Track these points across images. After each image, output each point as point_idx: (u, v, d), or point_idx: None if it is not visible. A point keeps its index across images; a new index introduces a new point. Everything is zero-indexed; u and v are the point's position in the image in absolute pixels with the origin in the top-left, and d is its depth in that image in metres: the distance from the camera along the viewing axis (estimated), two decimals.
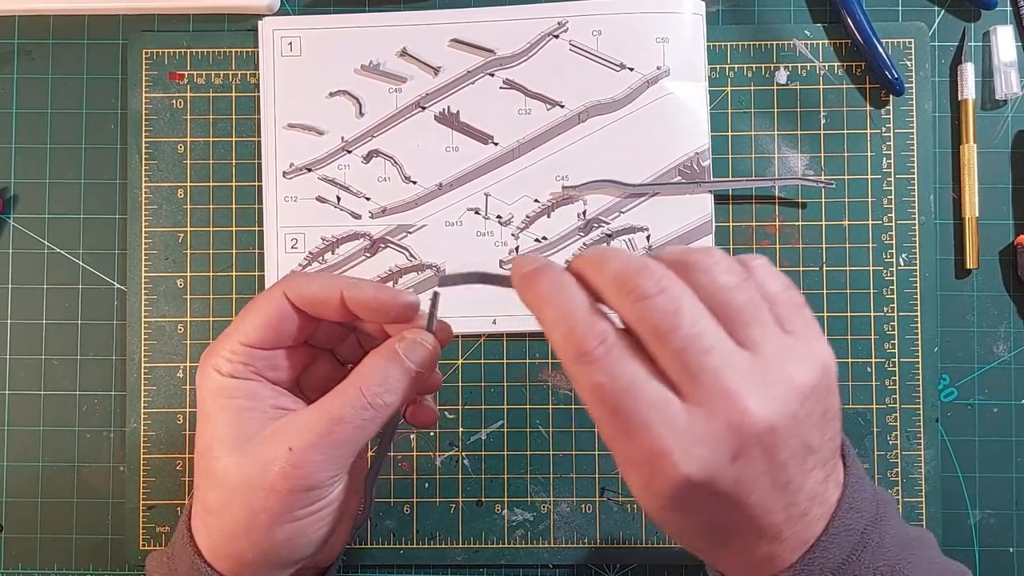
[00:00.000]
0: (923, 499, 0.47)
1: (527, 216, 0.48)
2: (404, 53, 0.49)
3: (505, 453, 0.48)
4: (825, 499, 0.30)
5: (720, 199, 0.49)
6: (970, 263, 0.48)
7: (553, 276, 0.31)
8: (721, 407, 0.26)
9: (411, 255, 0.49)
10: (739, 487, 0.27)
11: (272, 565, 0.35)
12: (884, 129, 0.49)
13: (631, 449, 0.27)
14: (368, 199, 0.49)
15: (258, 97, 0.49)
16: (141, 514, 0.48)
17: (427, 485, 0.48)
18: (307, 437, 0.32)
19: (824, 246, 0.48)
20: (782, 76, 0.49)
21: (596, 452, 0.48)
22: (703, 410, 0.26)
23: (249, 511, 0.33)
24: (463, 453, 0.48)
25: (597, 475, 0.48)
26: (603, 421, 0.27)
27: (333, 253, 0.49)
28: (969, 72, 0.48)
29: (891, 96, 0.48)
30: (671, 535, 0.33)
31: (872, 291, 0.48)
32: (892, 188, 0.48)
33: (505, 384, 0.48)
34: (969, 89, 0.48)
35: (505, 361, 0.49)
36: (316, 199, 0.49)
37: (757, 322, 0.28)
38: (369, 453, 0.37)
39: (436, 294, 0.35)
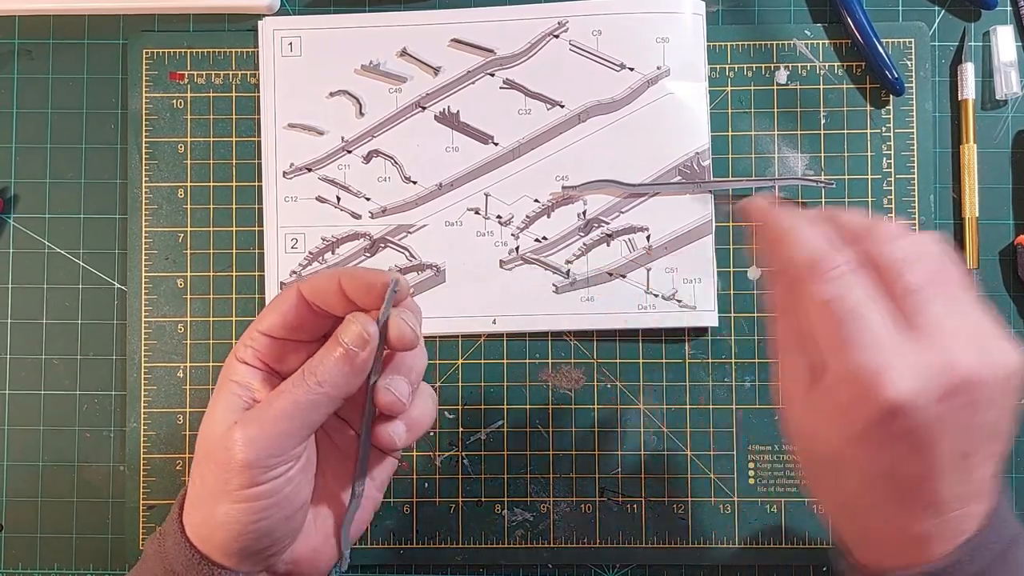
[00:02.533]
0: None
1: (527, 216, 0.49)
2: (404, 53, 0.49)
3: (505, 453, 0.48)
4: (984, 498, 0.31)
5: (720, 199, 0.49)
6: (970, 263, 0.48)
7: (805, 213, 0.34)
8: (938, 346, 0.29)
9: (411, 255, 0.49)
10: (935, 430, 0.29)
11: (230, 547, 0.34)
12: (884, 129, 0.49)
13: (849, 362, 0.29)
14: (368, 199, 0.49)
15: (258, 97, 0.49)
16: (141, 514, 0.48)
17: (427, 485, 0.48)
18: (252, 414, 0.34)
19: None
20: (782, 76, 0.49)
21: (596, 452, 0.48)
22: (922, 345, 0.29)
23: (219, 483, 0.33)
24: (463, 453, 0.48)
25: (597, 475, 0.48)
26: (828, 333, 0.30)
27: (333, 253, 0.49)
28: (969, 72, 0.48)
29: (891, 96, 0.48)
30: (835, 486, 0.33)
31: None
32: (892, 188, 0.48)
33: (505, 384, 0.49)
34: (969, 89, 0.48)
35: (505, 361, 0.49)
36: (316, 199, 0.49)
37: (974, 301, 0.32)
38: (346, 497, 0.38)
39: (392, 284, 0.34)
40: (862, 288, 0.30)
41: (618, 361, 0.48)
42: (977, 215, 0.48)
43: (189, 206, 0.49)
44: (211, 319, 0.49)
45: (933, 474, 0.30)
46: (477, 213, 0.49)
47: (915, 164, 0.48)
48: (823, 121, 0.49)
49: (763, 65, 0.49)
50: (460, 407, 0.48)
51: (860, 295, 0.30)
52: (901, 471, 0.30)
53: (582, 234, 0.48)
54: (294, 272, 0.49)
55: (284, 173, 0.49)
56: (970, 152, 0.48)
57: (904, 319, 0.30)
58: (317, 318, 0.36)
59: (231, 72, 0.50)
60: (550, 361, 0.48)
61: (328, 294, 0.35)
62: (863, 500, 0.32)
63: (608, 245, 0.48)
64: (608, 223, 0.48)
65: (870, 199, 0.48)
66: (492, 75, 0.49)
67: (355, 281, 0.35)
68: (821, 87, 0.49)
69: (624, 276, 0.48)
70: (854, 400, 0.29)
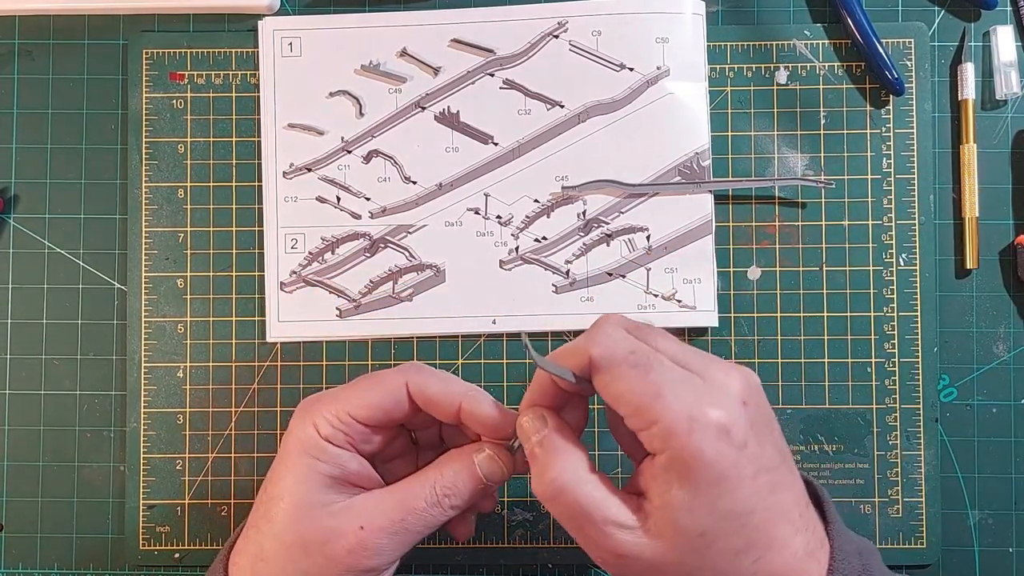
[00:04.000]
0: (923, 499, 0.47)
1: (527, 216, 0.49)
2: (404, 53, 0.49)
3: None
4: (815, 527, 0.34)
5: (720, 199, 0.49)
6: (970, 263, 0.48)
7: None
8: (720, 374, 0.33)
9: (411, 255, 0.49)
10: (752, 431, 0.32)
11: None
12: (884, 129, 0.49)
13: (663, 410, 0.31)
14: (368, 199, 0.49)
15: (258, 97, 0.49)
16: (141, 514, 0.48)
17: None
18: (380, 520, 0.35)
19: (824, 246, 0.48)
20: (782, 76, 0.49)
21: (596, 452, 0.48)
22: (703, 377, 0.33)
23: (299, 573, 0.35)
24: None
25: None
26: (635, 385, 0.32)
27: (333, 253, 0.49)
28: (969, 72, 0.48)
29: (891, 96, 0.48)
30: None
31: (872, 291, 0.48)
32: (892, 188, 0.48)
33: (505, 384, 0.48)
34: (969, 89, 0.48)
35: (505, 361, 0.49)
36: (316, 199, 0.49)
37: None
38: None
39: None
40: (642, 344, 0.33)
41: None
42: (977, 215, 0.48)
43: (189, 206, 0.49)
44: (211, 319, 0.49)
45: (777, 486, 0.32)
46: (477, 213, 0.49)
47: (915, 164, 0.48)
48: (823, 121, 0.49)
49: (763, 65, 0.49)
50: None
51: (647, 347, 0.33)
52: (758, 501, 0.31)
53: (582, 234, 0.48)
54: (294, 272, 0.49)
55: (284, 173, 0.49)
56: (970, 152, 0.48)
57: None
58: (417, 414, 0.37)
59: (231, 72, 0.50)
60: None
61: (442, 409, 0.36)
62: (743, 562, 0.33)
63: (608, 245, 0.48)
64: (608, 223, 0.48)
65: (870, 199, 0.48)
66: (492, 75, 0.49)
67: (480, 412, 0.36)
68: (821, 87, 0.49)
69: (624, 276, 0.48)
70: (688, 439, 0.31)
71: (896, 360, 0.48)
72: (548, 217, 0.48)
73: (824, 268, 0.48)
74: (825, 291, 0.48)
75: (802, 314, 0.48)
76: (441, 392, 0.36)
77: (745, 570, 0.32)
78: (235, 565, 0.36)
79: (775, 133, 0.49)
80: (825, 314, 0.48)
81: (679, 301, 0.48)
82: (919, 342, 0.48)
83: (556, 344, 0.48)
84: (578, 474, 0.33)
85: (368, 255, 0.49)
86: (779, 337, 0.48)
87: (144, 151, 0.49)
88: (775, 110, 0.49)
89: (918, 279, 0.48)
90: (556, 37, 0.49)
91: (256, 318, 0.49)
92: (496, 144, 0.49)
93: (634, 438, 0.33)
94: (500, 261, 0.48)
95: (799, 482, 0.34)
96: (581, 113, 0.48)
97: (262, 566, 0.35)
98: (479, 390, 0.37)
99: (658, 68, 0.48)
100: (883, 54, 0.48)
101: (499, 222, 0.49)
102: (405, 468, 0.39)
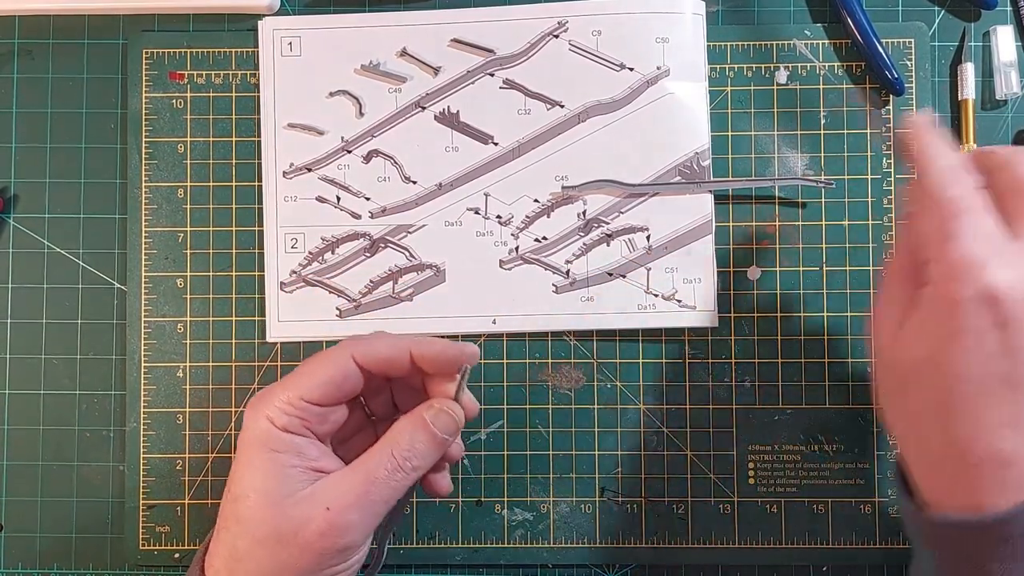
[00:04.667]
0: None
1: (527, 216, 0.49)
2: (404, 53, 0.49)
3: (505, 453, 0.48)
4: None
5: (720, 199, 0.49)
6: None
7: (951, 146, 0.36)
8: None
9: (411, 255, 0.49)
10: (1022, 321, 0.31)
11: None
12: (884, 129, 0.49)
13: (954, 252, 0.32)
14: (368, 199, 0.49)
15: (258, 97, 0.49)
16: (141, 514, 0.48)
17: None
18: (345, 498, 0.34)
19: (824, 246, 0.48)
20: (782, 76, 0.49)
21: (596, 452, 0.48)
22: (1021, 243, 0.32)
23: (277, 565, 0.34)
24: (463, 453, 0.48)
25: (597, 475, 0.48)
26: (938, 228, 0.32)
27: (333, 253, 0.49)
28: (969, 72, 0.48)
29: (891, 96, 0.48)
30: (911, 408, 0.35)
31: (872, 291, 0.48)
32: (892, 188, 0.48)
33: (505, 384, 0.48)
34: (969, 89, 0.48)
35: (505, 361, 0.49)
36: (316, 199, 0.49)
37: None
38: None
39: (465, 368, 0.38)
40: (981, 198, 0.33)
41: (618, 361, 0.48)
42: None
43: (189, 206, 0.49)
44: (211, 319, 0.49)
45: (1017, 381, 0.31)
46: (477, 213, 0.49)
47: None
48: (823, 121, 0.49)
49: (763, 65, 0.49)
50: None
51: (977, 201, 0.33)
52: (989, 371, 0.31)
53: (582, 234, 0.48)
54: (294, 272, 0.49)
55: (284, 173, 0.49)
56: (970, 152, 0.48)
57: (1014, 230, 0.32)
58: (369, 381, 0.37)
59: (231, 72, 0.50)
60: (550, 361, 0.48)
61: (393, 364, 0.36)
62: (936, 419, 0.33)
63: (608, 245, 0.48)
64: (608, 223, 0.48)
65: (870, 199, 0.48)
66: (492, 75, 0.49)
67: (432, 356, 0.37)
68: (821, 87, 0.49)
69: (624, 276, 0.48)
70: (954, 289, 0.31)
71: None
72: (548, 217, 0.48)
73: (824, 268, 0.48)
74: (825, 291, 0.48)
75: (802, 314, 0.48)
76: (389, 347, 0.36)
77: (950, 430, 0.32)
78: (211, 568, 0.35)
79: (775, 133, 0.49)
80: (825, 314, 0.48)
81: (679, 301, 0.48)
82: None
83: (556, 344, 0.48)
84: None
85: (368, 255, 0.49)
86: (779, 337, 0.48)
87: (144, 151, 0.49)
88: (775, 110, 0.49)
89: None
90: (556, 37, 0.49)
91: (256, 318, 0.49)
92: (496, 144, 0.49)
93: None
94: (500, 261, 0.48)
95: None
96: (581, 113, 0.48)
97: (239, 566, 0.35)
98: (419, 336, 0.38)
99: (658, 68, 0.48)
100: (883, 54, 0.48)
101: (499, 222, 0.49)
102: (364, 443, 0.38)
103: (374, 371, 0.37)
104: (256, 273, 0.49)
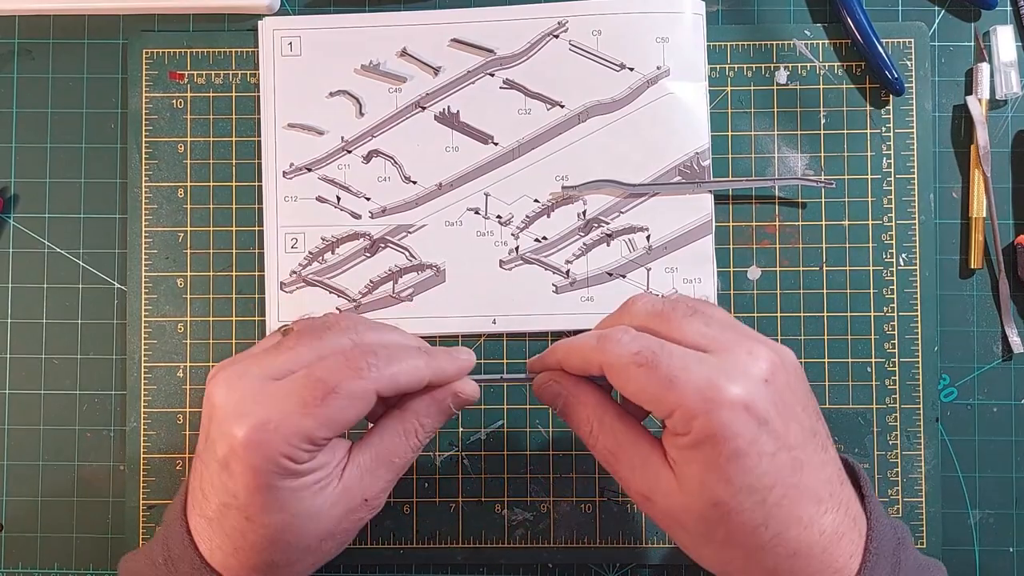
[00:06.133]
0: (923, 499, 0.47)
1: (527, 216, 0.49)
2: (404, 53, 0.49)
3: (505, 453, 0.48)
4: (849, 505, 0.34)
5: (720, 199, 0.49)
6: (974, 263, 0.48)
7: (565, 344, 0.38)
8: (738, 348, 0.33)
9: (411, 255, 0.49)
10: (775, 408, 0.32)
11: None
12: (884, 129, 0.49)
13: (684, 393, 0.32)
14: (368, 199, 0.49)
15: (258, 97, 0.49)
16: (141, 514, 0.48)
17: (427, 485, 0.48)
18: (380, 485, 0.37)
19: (824, 246, 0.48)
20: (782, 76, 0.49)
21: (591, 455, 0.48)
22: (724, 355, 0.33)
23: (319, 555, 0.37)
24: (463, 453, 0.48)
25: (597, 475, 0.48)
26: (650, 385, 0.32)
27: (333, 253, 0.49)
28: (984, 72, 0.48)
29: (891, 96, 0.48)
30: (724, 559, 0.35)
31: (872, 291, 0.48)
32: (892, 188, 0.48)
33: (505, 384, 0.48)
34: (984, 89, 0.48)
35: (505, 361, 0.49)
36: (316, 199, 0.49)
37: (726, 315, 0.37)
38: None
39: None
40: (650, 337, 0.34)
41: None
42: (984, 215, 0.48)
43: (189, 206, 0.49)
44: (211, 319, 0.49)
45: (802, 464, 0.32)
46: (477, 213, 0.49)
47: (915, 164, 0.48)
48: (823, 121, 0.49)
49: (763, 65, 0.49)
50: None
51: (653, 341, 0.33)
52: (779, 479, 0.32)
53: (582, 234, 0.48)
54: (294, 272, 0.49)
55: (284, 173, 0.49)
56: (978, 152, 0.48)
57: (694, 347, 0.33)
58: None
59: (231, 72, 0.50)
60: None
61: (412, 388, 0.36)
62: (758, 567, 0.33)
63: (608, 245, 0.48)
64: (608, 223, 0.48)
65: (870, 199, 0.48)
66: (492, 75, 0.49)
67: (446, 375, 0.37)
68: (821, 87, 0.49)
69: (624, 276, 0.48)
70: (706, 418, 0.31)
71: (896, 360, 0.48)
72: (548, 217, 0.48)
73: (824, 268, 0.48)
74: (825, 291, 0.48)
75: (802, 314, 0.48)
76: (411, 381, 0.36)
77: (765, 542, 0.32)
78: (229, 569, 0.35)
79: (775, 133, 0.49)
80: (825, 314, 0.48)
81: None
82: (919, 342, 0.48)
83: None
84: (605, 421, 0.36)
85: (368, 255, 0.49)
86: (779, 337, 0.48)
87: (144, 151, 0.49)
88: (775, 110, 0.49)
89: (918, 279, 0.48)
90: (556, 37, 0.49)
91: (256, 318, 0.49)
92: (496, 144, 0.49)
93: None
94: (500, 261, 0.48)
95: (833, 460, 0.34)
96: (581, 113, 0.48)
97: (279, 572, 0.36)
98: (430, 350, 0.38)
99: (658, 68, 0.48)
100: (883, 54, 0.48)
101: (499, 222, 0.49)
102: None
103: (391, 395, 0.36)
104: (256, 273, 0.49)
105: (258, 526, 0.34)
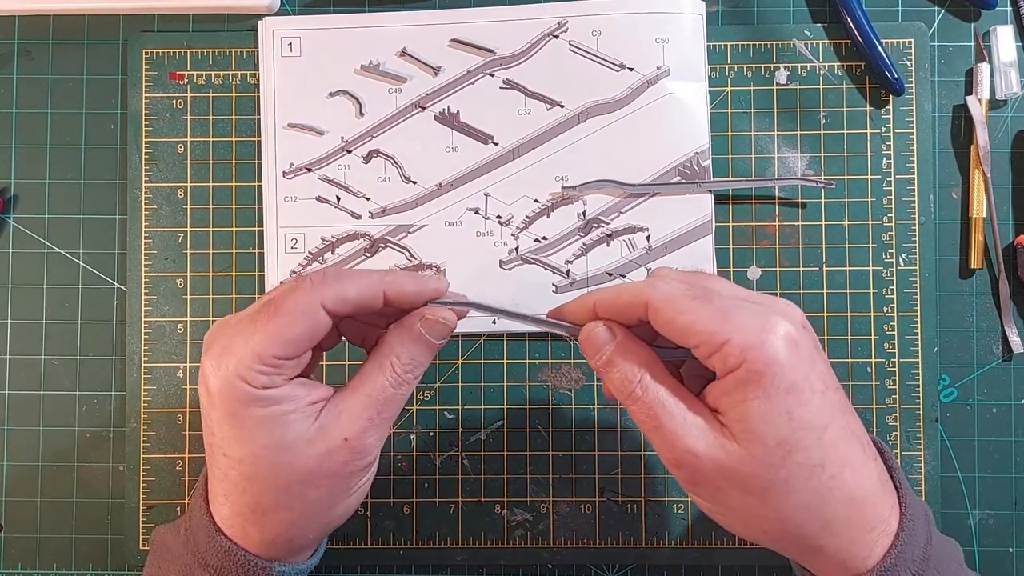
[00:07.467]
0: (923, 499, 0.47)
1: (527, 216, 0.49)
2: (404, 53, 0.49)
3: (505, 453, 0.48)
4: (880, 464, 0.34)
5: (720, 199, 0.49)
6: (974, 263, 0.48)
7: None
8: (773, 303, 0.34)
9: (411, 255, 0.49)
10: (816, 351, 0.33)
11: (323, 536, 0.38)
12: (884, 129, 0.49)
13: (735, 327, 0.32)
14: (368, 199, 0.49)
15: (258, 97, 0.49)
16: (141, 514, 0.48)
17: (427, 485, 0.48)
18: (359, 424, 0.35)
19: (824, 246, 0.48)
20: (782, 76, 0.49)
21: (596, 452, 0.48)
22: (766, 304, 0.34)
23: (310, 502, 0.35)
24: (463, 453, 0.48)
25: (597, 475, 0.48)
26: (702, 314, 0.33)
27: (333, 253, 0.49)
28: (984, 72, 0.48)
29: (891, 96, 0.48)
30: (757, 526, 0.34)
31: (872, 291, 0.48)
32: (892, 188, 0.48)
33: (505, 384, 0.48)
34: (984, 89, 0.48)
35: (505, 361, 0.49)
36: (316, 199, 0.49)
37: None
38: None
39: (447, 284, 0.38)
40: (700, 277, 0.35)
41: None
42: (984, 215, 0.48)
43: (189, 206, 0.49)
44: (211, 319, 0.49)
45: (845, 408, 0.33)
46: (477, 213, 0.49)
47: (915, 164, 0.48)
48: (823, 121, 0.49)
49: (763, 65, 0.49)
50: (460, 407, 0.48)
51: (703, 281, 0.35)
52: (831, 418, 0.32)
53: (582, 234, 0.48)
54: (294, 272, 0.49)
55: (284, 173, 0.49)
56: (978, 152, 0.48)
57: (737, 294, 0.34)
58: (339, 322, 0.36)
59: (231, 72, 0.50)
60: (550, 361, 0.48)
61: (364, 306, 0.35)
62: (815, 516, 0.33)
63: (608, 245, 0.48)
64: (608, 223, 0.48)
65: (870, 199, 0.48)
66: (492, 75, 0.49)
67: (408, 295, 0.36)
68: (821, 87, 0.49)
69: (624, 276, 0.48)
70: (762, 349, 0.31)
71: (896, 360, 0.48)
72: (548, 217, 0.48)
73: (824, 268, 0.48)
74: (825, 291, 0.48)
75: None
76: (361, 290, 0.35)
77: (822, 484, 0.32)
78: (232, 527, 0.36)
79: (775, 133, 0.49)
80: (825, 314, 0.48)
81: None
82: (919, 342, 0.48)
83: (556, 344, 0.48)
84: (655, 375, 0.35)
85: (368, 255, 0.49)
86: None
87: (144, 151, 0.49)
88: (775, 110, 0.49)
89: (918, 279, 0.48)
90: (556, 37, 0.49)
91: None
92: (496, 144, 0.49)
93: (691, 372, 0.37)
94: (500, 261, 0.48)
95: (859, 421, 0.35)
96: (581, 113, 0.48)
97: (269, 517, 0.35)
98: (387, 272, 0.37)
99: (658, 68, 0.48)
100: (883, 54, 0.48)
101: (499, 222, 0.49)
102: (336, 339, 0.39)
103: (344, 314, 0.35)
104: (256, 273, 0.49)
105: (234, 461, 0.34)
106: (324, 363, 0.49)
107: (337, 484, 0.35)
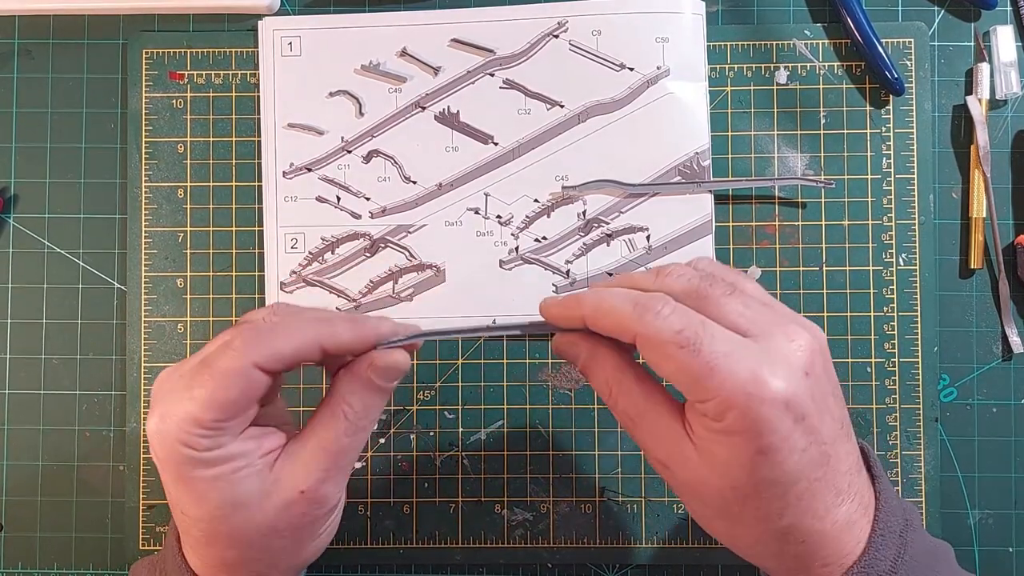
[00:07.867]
0: (923, 499, 0.47)
1: (527, 216, 0.49)
2: (404, 53, 0.49)
3: (505, 453, 0.48)
4: (862, 493, 0.33)
5: (720, 199, 0.49)
6: (975, 263, 0.48)
7: (598, 290, 0.35)
8: (778, 334, 0.32)
9: (411, 255, 0.49)
10: (813, 403, 0.31)
11: (299, 572, 0.38)
12: (884, 129, 0.49)
13: (724, 384, 0.30)
14: (368, 199, 0.49)
15: (258, 97, 0.49)
16: (141, 514, 0.48)
17: (427, 485, 0.48)
18: (314, 476, 0.34)
19: (824, 246, 0.48)
20: (782, 76, 0.49)
21: (596, 452, 0.48)
22: (766, 343, 0.31)
23: (275, 552, 0.35)
24: (463, 453, 0.48)
25: (597, 475, 0.48)
26: (687, 367, 0.30)
27: (333, 253, 0.49)
28: (984, 72, 0.48)
29: (891, 96, 0.48)
30: (735, 535, 0.34)
31: (872, 291, 0.48)
32: (892, 188, 0.48)
33: (505, 384, 0.49)
34: (984, 89, 0.48)
35: (505, 361, 0.49)
36: (316, 199, 0.49)
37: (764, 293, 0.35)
38: None
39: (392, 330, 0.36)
40: (693, 314, 0.32)
41: None
42: (984, 215, 0.48)
43: (189, 206, 0.49)
44: (211, 319, 0.49)
45: (829, 459, 0.31)
46: (477, 213, 0.49)
47: (915, 164, 0.48)
48: (823, 121, 0.49)
49: (763, 65, 0.49)
50: (460, 407, 0.48)
51: (695, 318, 0.31)
52: (805, 474, 0.31)
53: (582, 234, 0.48)
54: (294, 272, 0.49)
55: (284, 173, 0.49)
56: (978, 152, 0.48)
57: (734, 329, 0.32)
58: (278, 376, 0.34)
59: (231, 72, 0.50)
60: (550, 361, 0.49)
61: (301, 360, 0.34)
62: (765, 547, 0.33)
63: (608, 245, 0.48)
64: (608, 223, 0.48)
65: (870, 199, 0.48)
66: (492, 75, 0.49)
67: (342, 340, 0.34)
68: (821, 87, 0.49)
69: None
70: (745, 412, 0.30)
71: (896, 360, 0.48)
72: (548, 217, 0.48)
73: (824, 268, 0.48)
74: (825, 291, 0.48)
75: (802, 314, 0.48)
76: (296, 348, 0.33)
77: (776, 530, 0.32)
78: (206, 573, 0.35)
79: (775, 133, 0.49)
80: (825, 314, 0.48)
81: None
82: (919, 342, 0.48)
83: None
84: (625, 384, 0.34)
85: (368, 255, 0.49)
86: None
87: (144, 151, 0.49)
88: (775, 110, 0.49)
89: (918, 279, 0.48)
90: (556, 37, 0.49)
91: None
92: (496, 144, 0.49)
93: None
94: (500, 261, 0.48)
95: (854, 449, 0.34)
96: (581, 113, 0.48)
97: (239, 570, 0.35)
98: (325, 320, 0.34)
99: (658, 68, 0.48)
100: (883, 54, 0.48)
101: (499, 222, 0.49)
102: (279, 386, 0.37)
103: (282, 371, 0.33)
104: (256, 273, 0.49)
105: (193, 520, 0.34)
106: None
107: (300, 533, 0.35)
